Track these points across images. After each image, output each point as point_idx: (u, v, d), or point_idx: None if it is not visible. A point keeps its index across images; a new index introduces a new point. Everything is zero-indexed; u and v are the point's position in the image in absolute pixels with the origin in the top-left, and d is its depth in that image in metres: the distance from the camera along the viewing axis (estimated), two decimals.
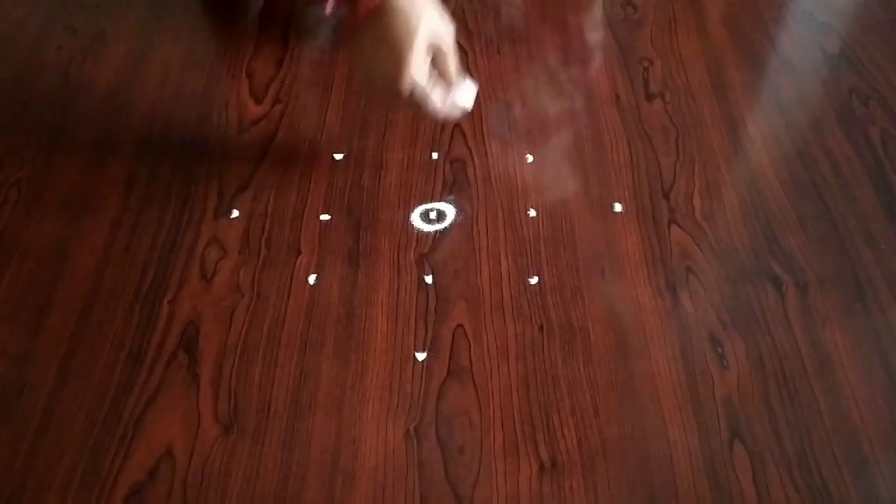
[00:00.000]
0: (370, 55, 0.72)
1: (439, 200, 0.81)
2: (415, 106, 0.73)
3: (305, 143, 0.86)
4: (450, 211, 0.80)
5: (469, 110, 0.77)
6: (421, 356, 0.69)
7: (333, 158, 0.84)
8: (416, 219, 0.79)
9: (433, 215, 0.79)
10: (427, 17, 0.71)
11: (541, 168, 0.84)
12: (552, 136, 0.88)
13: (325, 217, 0.79)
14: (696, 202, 0.81)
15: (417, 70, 0.71)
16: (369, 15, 0.70)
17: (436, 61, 0.74)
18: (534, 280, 0.74)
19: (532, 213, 0.80)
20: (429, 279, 0.74)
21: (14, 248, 0.76)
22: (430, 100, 0.73)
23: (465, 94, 0.77)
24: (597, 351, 0.69)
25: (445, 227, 0.78)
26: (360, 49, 0.73)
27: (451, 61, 0.76)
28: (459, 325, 0.71)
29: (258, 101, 0.91)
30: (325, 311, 0.72)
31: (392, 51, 0.70)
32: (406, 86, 0.71)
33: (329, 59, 0.96)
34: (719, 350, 0.69)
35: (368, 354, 0.69)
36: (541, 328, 0.71)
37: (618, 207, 0.80)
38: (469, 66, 0.96)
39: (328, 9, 0.85)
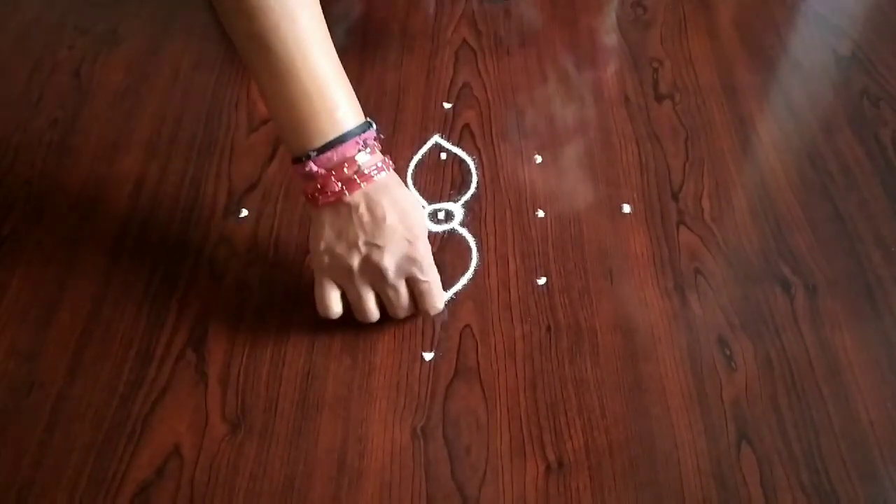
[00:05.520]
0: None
1: (447, 201, 0.81)
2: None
3: None
4: (458, 211, 0.80)
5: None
6: (428, 356, 0.69)
7: None
8: None
9: (441, 215, 0.79)
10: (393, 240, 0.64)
11: (549, 169, 0.84)
12: (561, 136, 0.88)
13: None
14: (705, 203, 0.81)
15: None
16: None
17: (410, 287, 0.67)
18: (542, 281, 0.74)
19: (540, 213, 0.80)
20: None
21: (24, 247, 0.77)
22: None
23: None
24: (604, 352, 0.69)
25: (453, 228, 0.78)
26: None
27: (431, 291, 0.68)
28: (467, 326, 0.71)
29: None
30: None
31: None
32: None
33: None
34: (727, 352, 0.69)
35: (376, 354, 0.69)
36: (548, 329, 0.71)
37: (626, 208, 0.80)
38: (478, 66, 0.96)
39: None
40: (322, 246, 0.64)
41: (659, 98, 0.92)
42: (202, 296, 0.73)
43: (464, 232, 0.78)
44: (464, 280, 0.74)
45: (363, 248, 0.64)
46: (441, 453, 0.63)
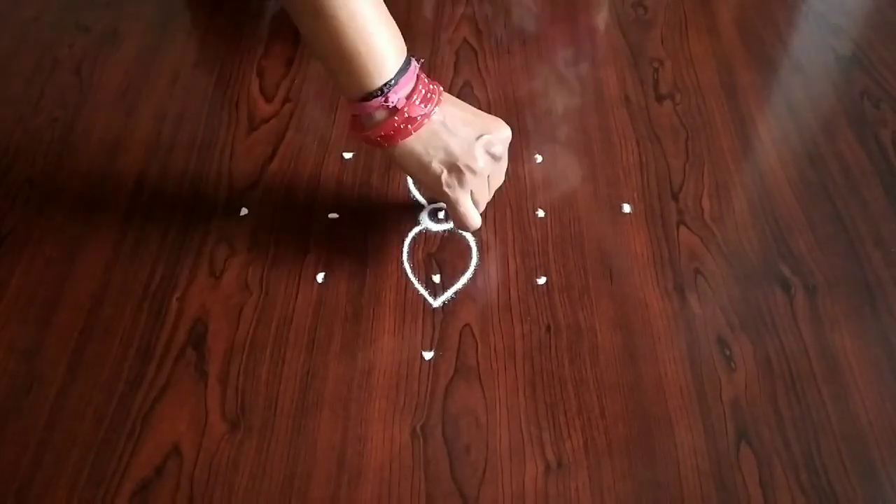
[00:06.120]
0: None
1: None
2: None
3: (315, 141, 0.87)
4: None
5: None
6: (428, 355, 0.69)
7: (343, 157, 0.85)
8: (424, 218, 0.79)
9: (442, 214, 0.79)
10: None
11: (550, 168, 0.84)
12: (561, 136, 0.88)
13: (333, 215, 0.79)
14: (706, 203, 0.81)
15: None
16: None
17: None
18: (541, 280, 0.74)
19: (540, 213, 0.80)
20: (437, 278, 0.74)
21: (25, 245, 0.77)
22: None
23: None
24: (604, 352, 0.69)
25: (454, 227, 0.78)
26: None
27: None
28: (467, 325, 0.71)
29: (268, 99, 0.92)
30: (333, 309, 0.72)
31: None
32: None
33: None
34: (727, 352, 0.69)
35: (375, 353, 0.69)
36: (548, 328, 0.71)
37: (626, 208, 0.80)
38: (479, 66, 0.96)
39: None
40: (439, 169, 0.66)
41: (659, 98, 0.92)
42: (202, 294, 0.73)
43: (464, 231, 0.78)
44: (464, 280, 0.74)
45: (479, 143, 0.66)
46: (440, 452, 0.63)
